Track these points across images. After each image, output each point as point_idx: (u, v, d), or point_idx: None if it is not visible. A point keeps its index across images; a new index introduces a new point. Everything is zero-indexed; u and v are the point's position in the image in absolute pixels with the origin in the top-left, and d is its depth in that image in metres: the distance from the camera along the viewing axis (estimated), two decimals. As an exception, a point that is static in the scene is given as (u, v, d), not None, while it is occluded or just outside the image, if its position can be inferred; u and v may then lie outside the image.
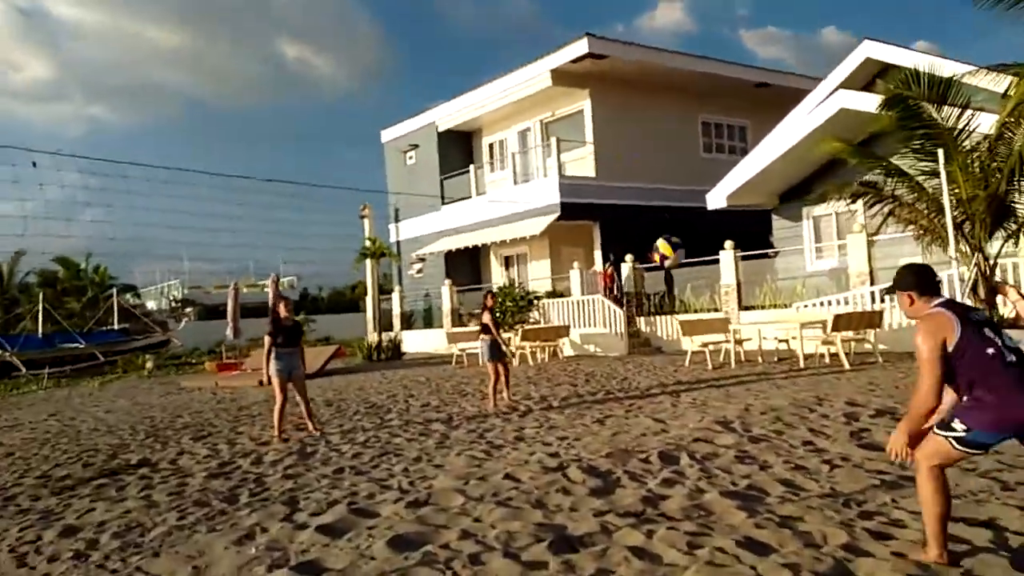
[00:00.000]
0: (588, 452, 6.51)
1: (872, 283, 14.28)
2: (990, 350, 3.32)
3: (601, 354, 17.67)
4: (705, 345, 12.82)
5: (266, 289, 24.86)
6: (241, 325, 23.00)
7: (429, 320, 26.43)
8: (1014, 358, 3.31)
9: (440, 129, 27.00)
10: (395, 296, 26.84)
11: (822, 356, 12.23)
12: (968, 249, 10.23)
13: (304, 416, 9.00)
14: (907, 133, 10.79)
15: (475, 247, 25.51)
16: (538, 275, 24.01)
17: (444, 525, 4.72)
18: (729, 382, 10.68)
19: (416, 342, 24.75)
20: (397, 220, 29.42)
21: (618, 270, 19.40)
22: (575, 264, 20.52)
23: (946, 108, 10.26)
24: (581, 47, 21.49)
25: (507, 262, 26.40)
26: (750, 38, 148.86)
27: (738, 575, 3.58)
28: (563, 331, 17.22)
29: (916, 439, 3.52)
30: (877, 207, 11.22)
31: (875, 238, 14.79)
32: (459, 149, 27.60)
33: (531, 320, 19.18)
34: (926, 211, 10.75)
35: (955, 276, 10.09)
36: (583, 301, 18.95)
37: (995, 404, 3.30)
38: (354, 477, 6.30)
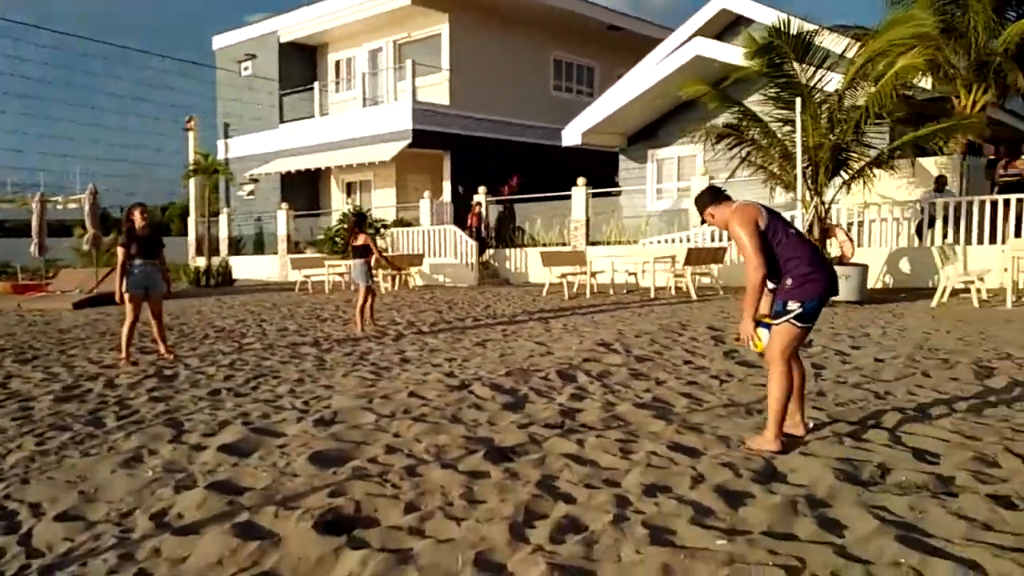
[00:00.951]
0: (485, 371, 6.48)
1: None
2: (792, 230, 4.02)
3: (451, 284, 17.65)
4: (563, 276, 13.16)
5: (69, 206, 22.29)
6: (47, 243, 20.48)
7: (260, 246, 25.04)
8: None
9: (282, 40, 25.14)
10: (223, 218, 25.06)
11: (668, 289, 12.98)
12: (808, 195, 11.15)
13: (156, 338, 8.21)
14: (768, 81, 11.48)
15: (315, 170, 24.35)
16: (383, 203, 23.35)
17: (363, 441, 4.51)
18: (591, 311, 11.06)
19: (247, 268, 23.33)
20: (227, 136, 27.32)
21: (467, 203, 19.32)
22: (425, 194, 20.17)
23: (800, 65, 11.01)
24: (444, -33, 20.68)
25: (349, 188, 25.44)
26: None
27: (681, 475, 3.71)
28: (416, 260, 16.98)
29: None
30: (736, 149, 11.86)
31: (715, 182, 15.71)
32: (302, 64, 25.94)
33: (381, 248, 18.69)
34: (777, 156, 11.54)
35: (798, 217, 11.00)
36: (434, 231, 18.73)
37: (809, 274, 3.92)
38: (235, 399, 5.85)
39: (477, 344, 8.16)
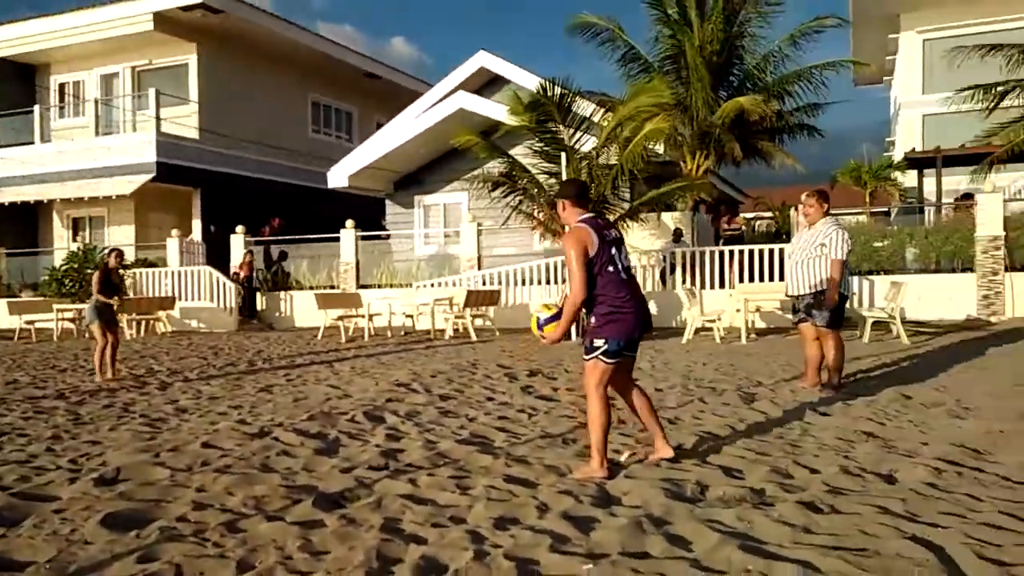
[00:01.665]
0: (283, 416, 6.02)
1: (479, 267, 15.73)
2: (611, 268, 4.18)
3: (206, 329, 16.27)
4: (340, 318, 12.73)
5: None
6: None
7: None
8: (626, 276, 4.25)
9: (-6, 55, 21.90)
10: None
11: (442, 331, 13.13)
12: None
13: None
14: (531, 136, 12.26)
15: (32, 204, 21.29)
16: (120, 241, 20.97)
17: (162, 499, 3.94)
18: (375, 353, 10.80)
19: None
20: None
21: (227, 243, 18.06)
22: (173, 232, 18.51)
23: (562, 125, 11.92)
24: (196, -6, 19.42)
25: (76, 225, 22.54)
26: (328, 31, 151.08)
27: (525, 505, 3.72)
28: (168, 303, 15.40)
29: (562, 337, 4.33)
30: (509, 197, 12.42)
31: (481, 228, 16.31)
32: (16, 83, 22.74)
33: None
34: (545, 205, 12.29)
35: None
36: (185, 272, 17.21)
37: (618, 316, 4.16)
38: (-27, 462, 4.84)
39: (261, 390, 7.56)
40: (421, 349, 11.19)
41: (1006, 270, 12.70)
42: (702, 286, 13.47)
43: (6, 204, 20.96)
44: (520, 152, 13.19)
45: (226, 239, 18.41)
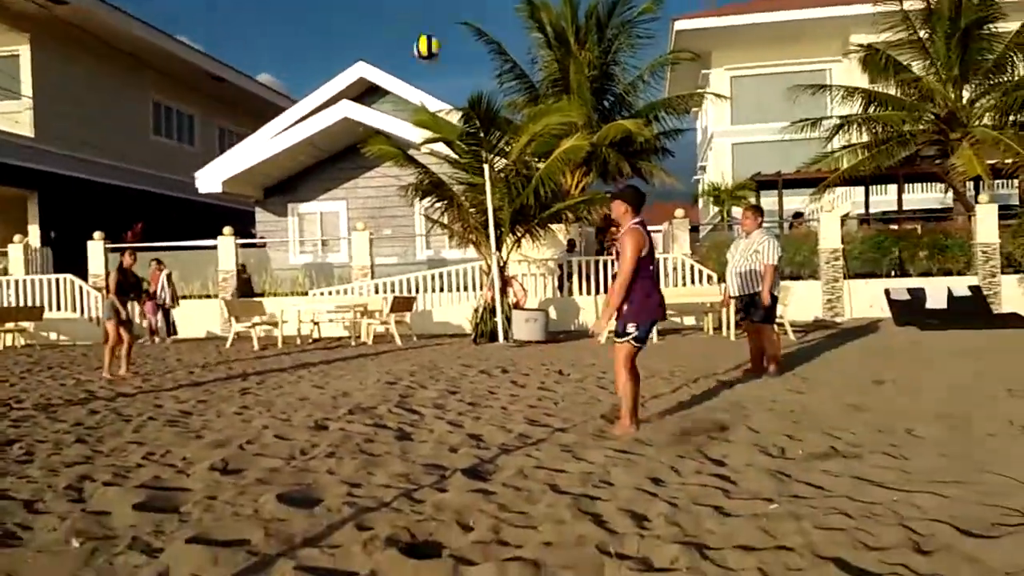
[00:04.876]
0: (320, 414, 6.00)
1: (372, 276, 15.69)
2: (650, 267, 5.11)
3: (68, 342, 14.82)
4: (253, 326, 12.27)
5: None
6: None
7: None
8: (655, 277, 5.23)
9: None
10: None
11: (353, 337, 13.10)
12: (493, 247, 12.45)
13: None
14: (451, 148, 12.64)
15: None
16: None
17: (302, 482, 4.01)
18: (315, 360, 10.35)
19: None
20: None
21: (74, 250, 16.51)
22: (16, 237, 16.65)
23: (485, 137, 12.40)
24: (34, -21, 17.68)
25: None
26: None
27: (656, 468, 4.22)
28: (35, 313, 13.83)
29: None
30: (438, 205, 12.67)
31: (373, 237, 16.29)
32: None
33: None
34: (469, 215, 12.68)
35: (477, 269, 12.16)
36: (40, 281, 15.55)
37: (648, 304, 5.04)
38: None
39: (244, 394, 7.33)
40: (351, 355, 11.07)
41: (845, 278, 14.90)
42: (597, 292, 14.47)
43: None
44: (432, 163, 13.49)
45: (74, 246, 16.84)
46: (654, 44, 18.10)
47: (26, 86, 19.14)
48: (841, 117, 17.32)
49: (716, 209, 21.28)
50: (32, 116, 19.08)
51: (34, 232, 18.70)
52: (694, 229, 18.78)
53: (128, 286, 8.93)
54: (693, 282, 14.55)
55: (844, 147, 17.59)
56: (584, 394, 6.79)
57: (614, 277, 5.09)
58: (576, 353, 10.31)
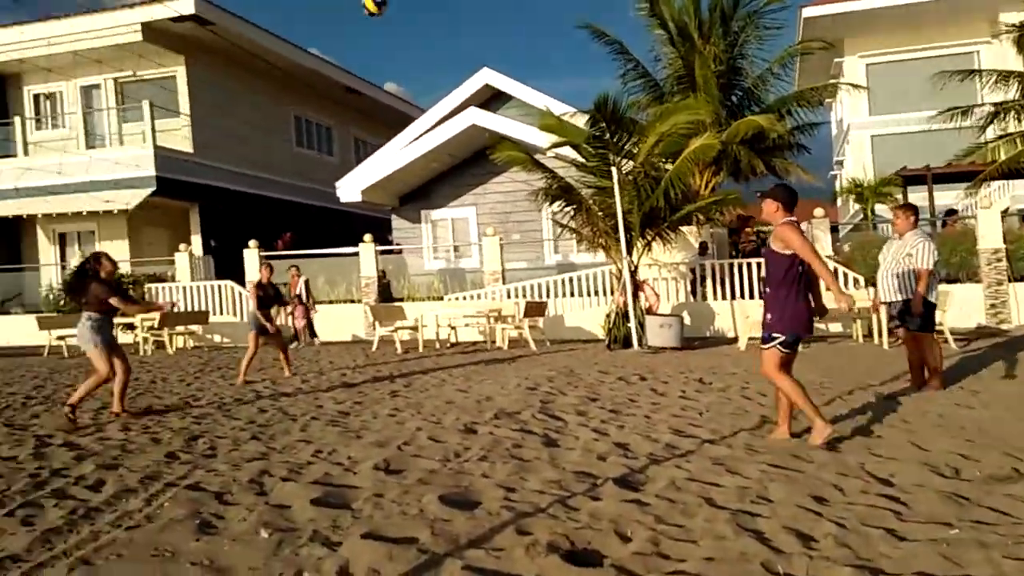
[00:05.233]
0: (468, 418, 6.23)
1: (503, 281, 15.98)
2: (800, 269, 4.81)
3: (230, 344, 16.04)
4: (396, 330, 12.94)
5: None
6: None
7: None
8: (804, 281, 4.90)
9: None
10: None
11: (488, 342, 13.42)
12: (624, 251, 12.37)
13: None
14: (578, 152, 12.69)
15: (13, 218, 20.51)
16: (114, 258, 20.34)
17: (459, 484, 4.20)
18: (456, 364, 10.73)
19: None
20: None
21: (232, 258, 17.82)
22: (182, 247, 18.20)
23: (612, 140, 12.36)
24: (186, 5, 19.08)
25: (63, 240, 21.77)
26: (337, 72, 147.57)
27: (817, 486, 4.09)
28: (202, 317, 15.14)
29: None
30: (567, 209, 12.80)
31: (503, 242, 16.60)
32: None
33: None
34: (599, 219, 12.70)
35: (607, 273, 12.07)
36: (203, 287, 16.94)
37: (794, 311, 4.80)
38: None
39: (393, 395, 7.69)
40: (488, 360, 11.33)
41: (1009, 280, 13.74)
42: (732, 297, 14.06)
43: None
44: (558, 166, 13.59)
45: (230, 254, 18.19)
46: (782, 34, 17.36)
47: (183, 104, 20.81)
48: (995, 104, 16.01)
49: (857, 207, 20.17)
50: (191, 132, 20.72)
51: (196, 241, 20.30)
52: (833, 229, 17.90)
53: (269, 299, 9.34)
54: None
55: (1000, 136, 16.24)
56: (729, 404, 6.65)
57: (761, 281, 5.01)
58: (715, 360, 10.10)
